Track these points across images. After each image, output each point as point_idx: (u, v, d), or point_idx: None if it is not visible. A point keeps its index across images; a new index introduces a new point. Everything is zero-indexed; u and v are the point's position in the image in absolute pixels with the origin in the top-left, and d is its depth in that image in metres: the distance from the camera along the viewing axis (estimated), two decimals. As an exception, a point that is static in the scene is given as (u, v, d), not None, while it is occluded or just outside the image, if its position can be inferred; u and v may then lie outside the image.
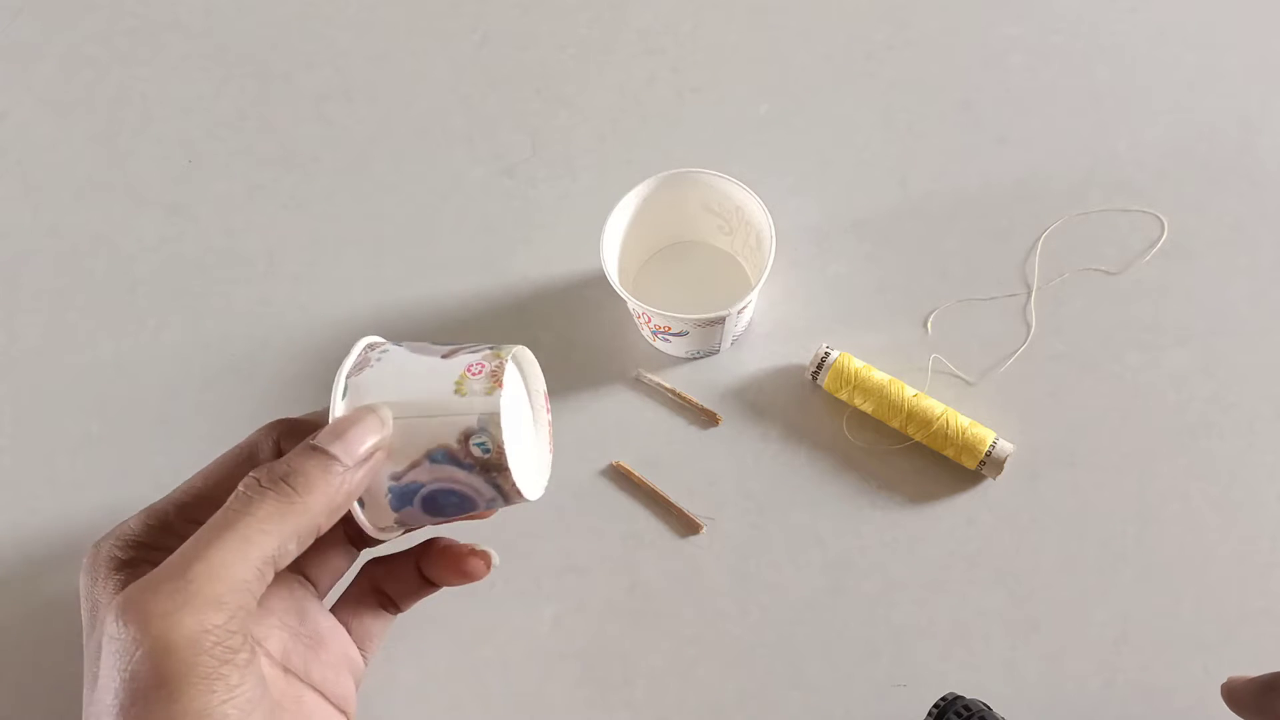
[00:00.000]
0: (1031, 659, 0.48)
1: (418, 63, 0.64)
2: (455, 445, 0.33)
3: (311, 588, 0.38)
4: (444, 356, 0.35)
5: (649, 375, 0.54)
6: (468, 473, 0.34)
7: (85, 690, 0.31)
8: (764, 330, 0.55)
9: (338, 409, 0.33)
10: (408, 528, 0.36)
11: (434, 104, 0.62)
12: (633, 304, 0.49)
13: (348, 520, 0.34)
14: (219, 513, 0.30)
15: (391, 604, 0.40)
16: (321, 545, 0.37)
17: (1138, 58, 0.61)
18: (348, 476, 0.32)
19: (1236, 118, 0.59)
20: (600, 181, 0.60)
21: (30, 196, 0.61)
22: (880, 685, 0.48)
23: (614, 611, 0.50)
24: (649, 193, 0.51)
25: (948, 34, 0.63)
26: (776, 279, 0.56)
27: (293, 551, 0.31)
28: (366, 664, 0.39)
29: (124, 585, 0.31)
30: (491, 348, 0.36)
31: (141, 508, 0.34)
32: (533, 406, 0.40)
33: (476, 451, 0.33)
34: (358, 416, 0.33)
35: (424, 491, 0.34)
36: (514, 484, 0.34)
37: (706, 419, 0.53)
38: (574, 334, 0.56)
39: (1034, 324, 0.55)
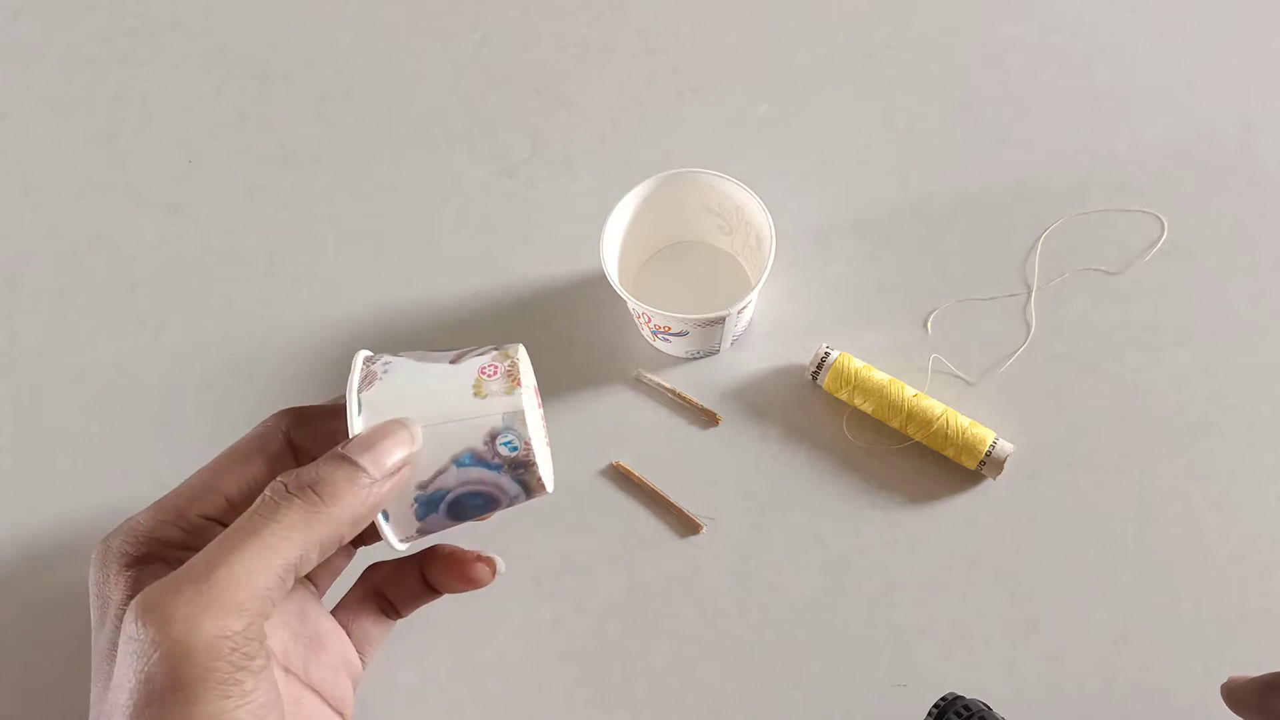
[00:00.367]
0: (1031, 659, 0.48)
1: (418, 63, 0.64)
2: (482, 447, 0.33)
3: (312, 588, 0.38)
4: (451, 362, 0.35)
5: (649, 375, 0.54)
6: (496, 473, 0.34)
7: (94, 687, 0.31)
8: (764, 330, 0.55)
9: (356, 426, 0.33)
10: (428, 535, 0.36)
11: (434, 104, 0.62)
12: (633, 304, 0.49)
13: None
14: (244, 516, 0.30)
15: (392, 609, 0.40)
16: None
17: (1138, 58, 0.61)
18: (374, 489, 0.32)
19: (1236, 118, 0.59)
20: (600, 181, 0.60)
21: (30, 196, 0.61)
22: (880, 685, 0.48)
23: (614, 611, 0.50)
24: (649, 193, 0.51)
25: (948, 34, 0.63)
26: (776, 279, 0.56)
27: (314, 560, 0.31)
28: (365, 667, 0.39)
29: (135, 581, 0.31)
30: (495, 348, 0.36)
31: (142, 506, 0.34)
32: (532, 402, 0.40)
33: (504, 451, 0.34)
34: (388, 430, 0.32)
35: (450, 497, 0.34)
36: (539, 478, 0.35)
37: (706, 419, 0.53)
38: (574, 334, 0.56)
39: (1034, 324, 0.55)
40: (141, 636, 0.27)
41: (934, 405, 0.51)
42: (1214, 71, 0.60)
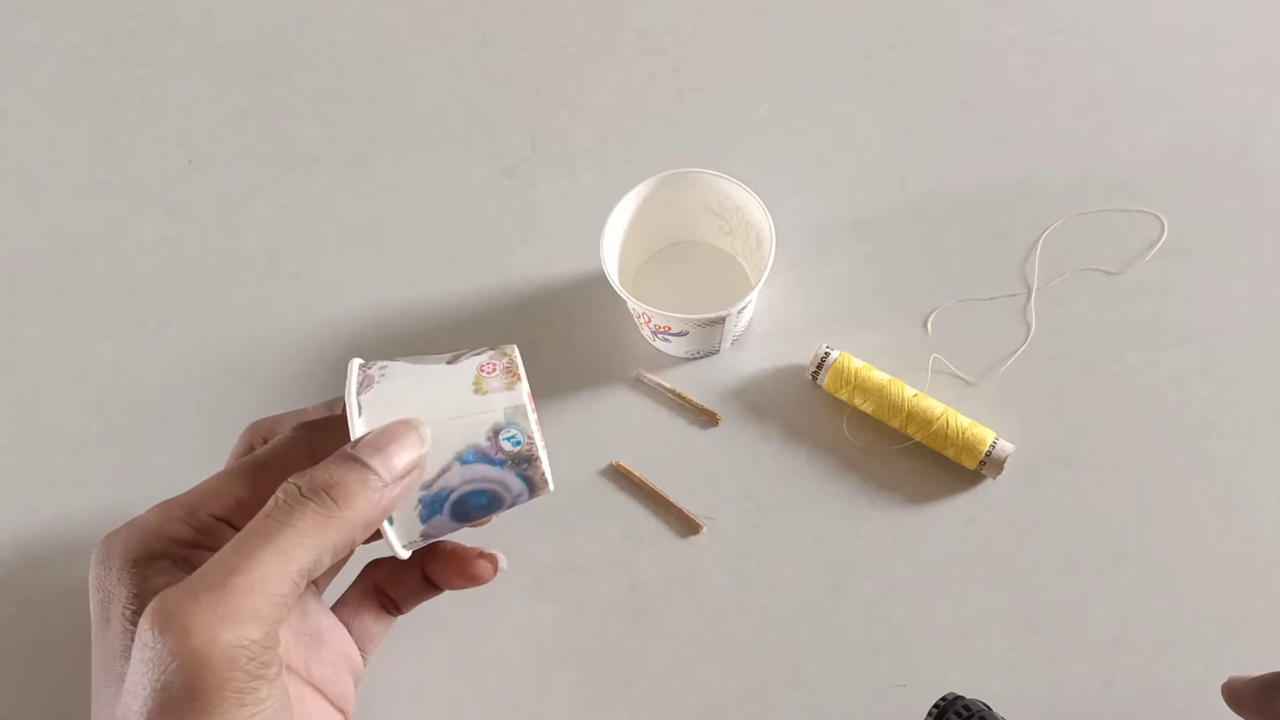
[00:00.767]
0: (1031, 659, 0.48)
1: (418, 63, 0.64)
2: (485, 443, 0.33)
3: (312, 585, 0.38)
4: (448, 363, 0.35)
5: (649, 375, 0.54)
6: (500, 469, 0.34)
7: (100, 687, 0.31)
8: (764, 330, 0.55)
9: (358, 429, 0.33)
10: (429, 539, 0.36)
11: (434, 104, 0.62)
12: (633, 304, 0.49)
13: None
14: (258, 520, 0.30)
15: (393, 605, 0.40)
16: None
17: (1138, 58, 0.61)
18: (385, 492, 0.31)
19: (1236, 118, 0.59)
20: (600, 181, 0.60)
21: (30, 196, 0.61)
22: (880, 685, 0.48)
23: (614, 611, 0.50)
24: (649, 193, 0.51)
25: (948, 34, 0.63)
26: (776, 279, 0.56)
27: (326, 564, 0.30)
28: (366, 664, 0.39)
29: (140, 579, 0.31)
30: (490, 349, 0.36)
31: (141, 506, 0.34)
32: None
33: (507, 446, 0.33)
34: (397, 432, 0.32)
35: (454, 496, 0.34)
36: (543, 472, 0.35)
37: (706, 419, 0.53)
38: (574, 334, 0.56)
39: (1034, 324, 0.55)
40: (158, 645, 0.27)
41: (934, 405, 0.51)
42: (1214, 71, 0.60)
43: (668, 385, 0.54)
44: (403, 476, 0.32)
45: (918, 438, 0.51)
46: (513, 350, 0.36)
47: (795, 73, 0.62)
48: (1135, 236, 0.56)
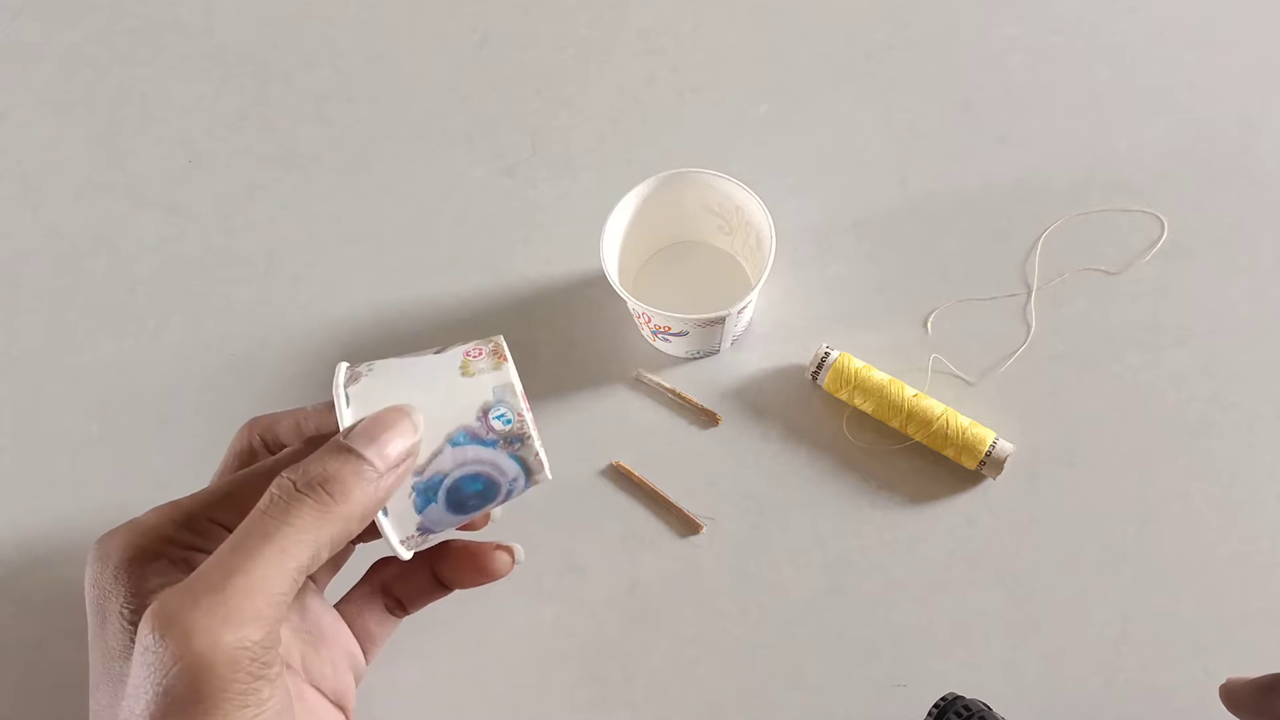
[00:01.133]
0: (1031, 659, 0.48)
1: (418, 63, 0.64)
2: (475, 423, 0.33)
3: (312, 583, 0.38)
4: (435, 354, 0.35)
5: (649, 375, 0.54)
6: (492, 449, 0.33)
7: (98, 685, 0.31)
8: (764, 330, 0.55)
9: (345, 419, 0.33)
10: (427, 535, 0.35)
11: (434, 104, 0.62)
12: (633, 304, 0.49)
13: None
14: (253, 518, 0.30)
15: (399, 606, 0.40)
16: None
17: (1138, 58, 0.61)
18: (380, 483, 0.31)
19: (1236, 118, 0.59)
20: (600, 181, 0.60)
21: (30, 196, 0.61)
22: (880, 685, 0.48)
23: (614, 611, 0.50)
24: (649, 193, 0.51)
25: (948, 34, 0.63)
26: (776, 279, 0.56)
27: (323, 559, 0.30)
28: (369, 662, 0.39)
29: (138, 579, 0.31)
30: (477, 341, 0.36)
31: (141, 507, 0.34)
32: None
33: (498, 425, 0.33)
34: (389, 419, 0.32)
35: (448, 482, 0.33)
36: (537, 453, 0.34)
37: (706, 419, 0.53)
38: (574, 334, 0.56)
39: (1034, 324, 0.55)
40: (160, 649, 0.27)
41: (934, 405, 0.51)
42: (1214, 71, 0.60)
43: (668, 385, 0.54)
44: (397, 465, 0.31)
45: (918, 438, 0.51)
46: (498, 338, 0.36)
47: (795, 73, 0.62)
48: (1135, 236, 0.56)
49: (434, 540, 0.36)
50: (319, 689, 0.35)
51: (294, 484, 0.30)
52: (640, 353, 0.55)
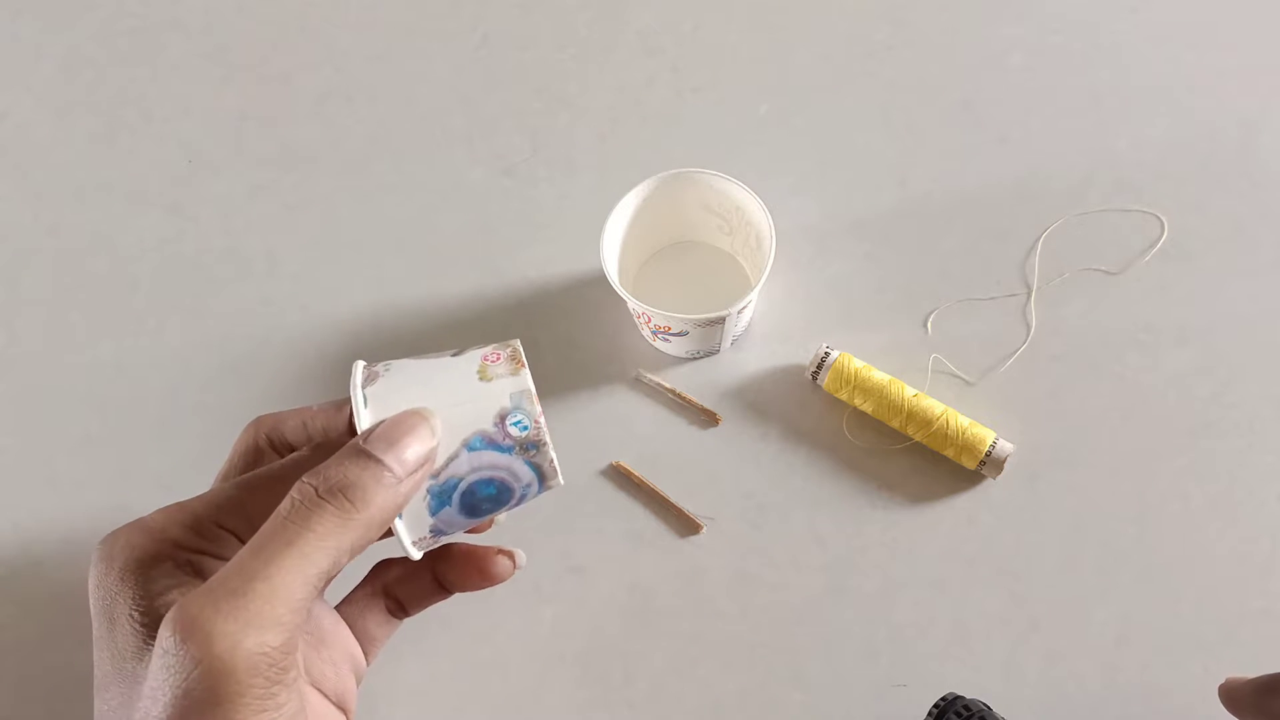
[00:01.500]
0: (1031, 659, 0.48)
1: (418, 63, 0.64)
2: (492, 429, 0.33)
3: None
4: (452, 356, 0.35)
5: (649, 375, 0.54)
6: (508, 455, 0.33)
7: (101, 685, 0.30)
8: (764, 330, 0.55)
9: (364, 421, 0.33)
10: (439, 537, 0.35)
11: (434, 104, 0.62)
12: (633, 304, 0.49)
13: None
14: (276, 523, 0.29)
15: (400, 608, 0.40)
16: None
17: (1138, 58, 0.61)
18: (400, 488, 0.31)
19: (1236, 118, 0.59)
20: (600, 181, 0.60)
21: (30, 197, 0.61)
22: (880, 685, 0.48)
23: (614, 611, 0.50)
24: (649, 193, 0.51)
25: (948, 34, 0.63)
26: (776, 279, 0.56)
27: (344, 565, 0.30)
28: (369, 663, 0.39)
29: (145, 581, 0.30)
30: (495, 345, 0.36)
31: (141, 507, 0.34)
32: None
33: (514, 431, 0.33)
34: (408, 424, 0.32)
35: (462, 486, 0.33)
36: (552, 460, 0.34)
37: (706, 419, 0.53)
38: (574, 334, 0.56)
39: (1034, 324, 0.55)
40: (180, 652, 0.27)
41: (934, 405, 0.51)
42: (1214, 71, 0.60)
43: (668, 385, 0.54)
44: (415, 470, 0.31)
45: (918, 438, 0.51)
46: (516, 343, 0.36)
47: (795, 73, 0.62)
48: (1135, 236, 0.56)
49: (444, 541, 0.37)
50: (320, 690, 0.35)
51: (315, 490, 0.30)
52: (640, 353, 0.55)
